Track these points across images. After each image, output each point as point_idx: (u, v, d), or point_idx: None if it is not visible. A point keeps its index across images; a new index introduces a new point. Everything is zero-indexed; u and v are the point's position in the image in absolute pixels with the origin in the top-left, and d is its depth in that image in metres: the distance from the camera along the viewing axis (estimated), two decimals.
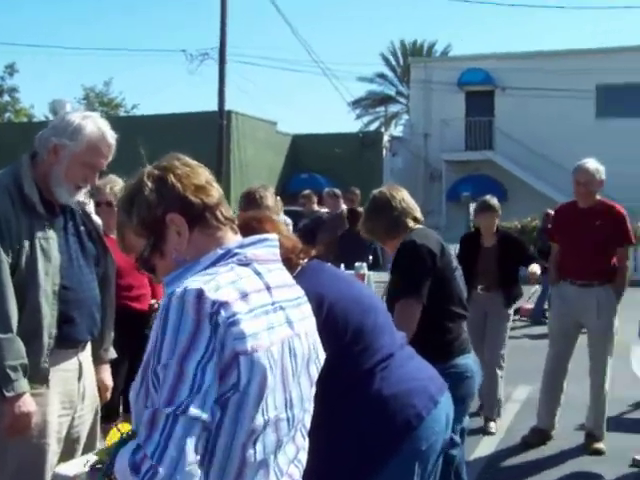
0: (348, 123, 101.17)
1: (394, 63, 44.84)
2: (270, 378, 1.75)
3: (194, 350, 1.64)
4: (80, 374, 3.29)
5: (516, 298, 6.96)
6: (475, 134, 30.56)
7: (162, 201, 1.88)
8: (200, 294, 1.67)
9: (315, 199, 11.25)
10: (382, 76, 44.66)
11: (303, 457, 2.02)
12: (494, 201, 6.77)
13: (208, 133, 22.54)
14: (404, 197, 3.89)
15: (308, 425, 2.03)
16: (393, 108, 45.90)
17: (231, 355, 1.67)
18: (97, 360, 3.50)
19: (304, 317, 1.98)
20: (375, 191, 4.04)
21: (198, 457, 1.62)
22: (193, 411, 1.61)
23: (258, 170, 26.26)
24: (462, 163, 29.86)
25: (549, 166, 26.92)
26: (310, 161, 28.79)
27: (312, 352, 1.98)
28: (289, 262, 2.66)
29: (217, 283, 1.72)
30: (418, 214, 3.89)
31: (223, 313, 1.67)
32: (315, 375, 2.01)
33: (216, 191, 1.95)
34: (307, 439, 2.04)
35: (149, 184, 1.90)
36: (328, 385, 2.49)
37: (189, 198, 1.88)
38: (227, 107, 23.71)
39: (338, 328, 2.58)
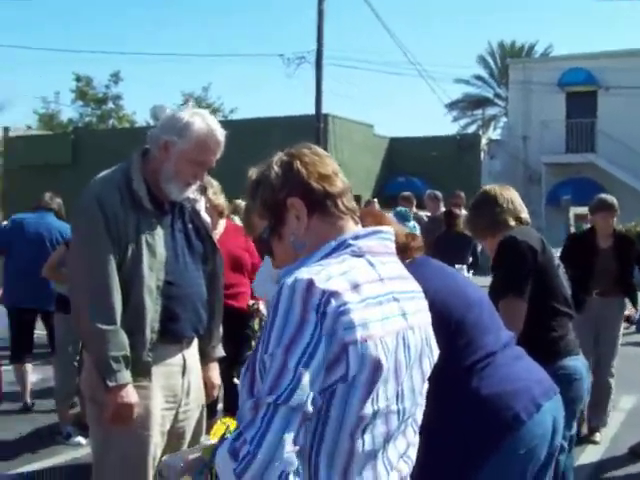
0: (445, 126, 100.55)
1: (492, 65, 44.27)
2: (383, 368, 1.73)
3: (299, 341, 1.64)
4: (184, 370, 3.33)
5: (635, 303, 6.61)
6: (576, 136, 29.82)
7: (285, 185, 1.92)
8: (310, 284, 1.68)
9: (414, 201, 11.16)
10: (479, 78, 44.18)
11: (413, 453, 2.00)
12: (613, 199, 6.42)
13: (305, 136, 22.50)
14: (512, 197, 3.80)
15: (420, 420, 2.01)
16: (491, 110, 45.40)
17: (340, 345, 1.67)
18: (205, 357, 3.53)
19: (418, 310, 1.95)
20: (485, 187, 4.02)
21: (297, 447, 1.62)
22: (294, 401, 1.61)
23: (355, 173, 26.24)
24: (562, 166, 29.19)
25: None
26: (407, 164, 28.67)
27: (425, 346, 1.96)
28: (402, 256, 2.70)
29: (328, 273, 1.73)
30: (524, 215, 3.81)
31: (333, 303, 1.67)
32: (428, 370, 1.99)
33: (341, 182, 1.98)
34: (418, 435, 2.02)
35: (276, 168, 1.94)
36: (432, 380, 2.54)
37: (312, 185, 1.91)
38: (324, 110, 23.84)
39: (441, 322, 2.48)
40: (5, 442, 6.48)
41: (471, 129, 43.12)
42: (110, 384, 3.02)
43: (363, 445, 1.75)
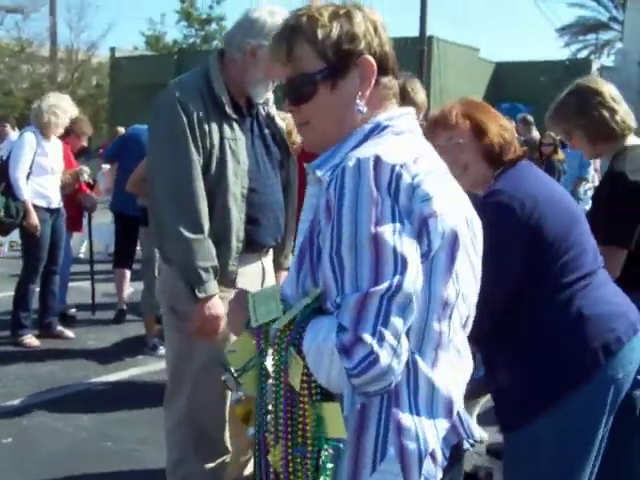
0: (555, 51, 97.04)
1: None
2: (460, 243, 1.63)
3: (384, 223, 1.51)
4: (263, 279, 3.30)
5: None
6: None
7: (366, 40, 1.71)
8: (377, 160, 1.53)
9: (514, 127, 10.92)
10: (595, 0, 42.20)
11: (468, 346, 1.83)
12: None
13: (409, 59, 22.21)
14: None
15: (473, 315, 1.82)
16: (605, 35, 43.44)
17: (420, 219, 1.55)
18: (276, 266, 3.48)
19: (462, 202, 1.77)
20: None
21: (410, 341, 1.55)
22: (407, 287, 1.50)
23: (459, 98, 25.69)
24: None
25: None
26: (513, 90, 27.83)
27: (478, 238, 1.79)
28: (501, 153, 2.63)
29: (388, 148, 1.59)
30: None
31: (405, 175, 1.54)
32: (479, 260, 1.80)
33: None
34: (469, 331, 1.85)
35: (359, 17, 1.72)
36: (528, 292, 2.47)
37: (387, 50, 1.75)
38: (428, 33, 23.25)
39: (545, 234, 2.47)
40: (96, 350, 6.75)
41: (583, 54, 41.44)
42: (199, 295, 2.98)
43: (449, 330, 1.65)
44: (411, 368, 1.59)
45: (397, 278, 1.48)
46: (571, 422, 2.44)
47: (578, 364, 2.43)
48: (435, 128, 2.73)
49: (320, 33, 1.67)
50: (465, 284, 1.67)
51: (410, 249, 1.51)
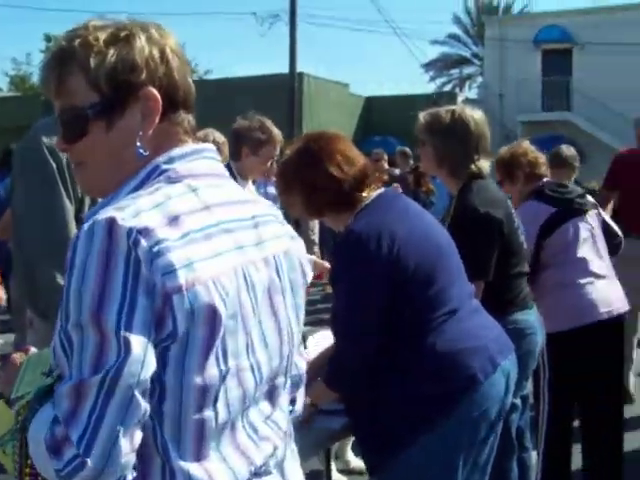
0: (422, 85, 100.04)
1: (467, 24, 43.94)
2: (221, 317, 1.36)
3: (110, 299, 1.26)
4: None
5: None
6: (552, 94, 29.77)
7: (150, 68, 1.44)
8: (111, 224, 1.28)
9: (386, 158, 11.22)
10: (455, 37, 43.85)
11: (281, 419, 1.60)
12: (571, 151, 6.29)
13: (280, 96, 22.46)
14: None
15: (290, 377, 1.65)
16: (467, 70, 45.14)
17: (162, 296, 1.29)
18: None
19: (264, 240, 1.54)
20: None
21: (137, 443, 1.29)
22: (128, 378, 1.25)
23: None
24: (538, 124, 29.13)
25: (630, 126, 26.06)
26: (383, 123, 28.49)
27: (280, 281, 1.56)
28: (362, 184, 2.59)
29: (137, 208, 1.33)
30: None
31: (144, 242, 1.28)
32: (286, 310, 1.57)
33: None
34: (288, 396, 1.67)
35: (141, 42, 1.45)
36: (389, 330, 2.44)
37: (177, 80, 1.48)
38: (298, 69, 23.56)
39: (406, 269, 2.43)
40: None
41: (448, 88, 42.89)
42: None
43: (216, 417, 1.39)
44: (166, 463, 1.36)
45: (116, 367, 1.24)
46: (430, 462, 2.42)
47: (434, 404, 2.41)
48: None
49: (93, 61, 1.42)
50: (241, 356, 1.43)
51: (139, 332, 1.27)
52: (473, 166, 3.32)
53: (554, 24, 29.27)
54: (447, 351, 2.43)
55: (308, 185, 2.61)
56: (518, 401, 3.40)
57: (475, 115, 3.39)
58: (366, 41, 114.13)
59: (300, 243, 1.69)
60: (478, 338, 2.51)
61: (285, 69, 23.32)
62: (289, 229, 1.67)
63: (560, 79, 29.55)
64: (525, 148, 4.14)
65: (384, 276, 2.42)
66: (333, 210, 2.68)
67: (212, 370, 1.36)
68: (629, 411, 5.84)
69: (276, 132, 4.40)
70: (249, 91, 23.86)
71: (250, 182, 4.65)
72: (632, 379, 6.17)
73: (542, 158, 4.19)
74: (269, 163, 4.52)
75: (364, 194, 2.61)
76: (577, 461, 4.26)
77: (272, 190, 5.24)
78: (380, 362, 2.45)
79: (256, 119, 4.42)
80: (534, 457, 3.89)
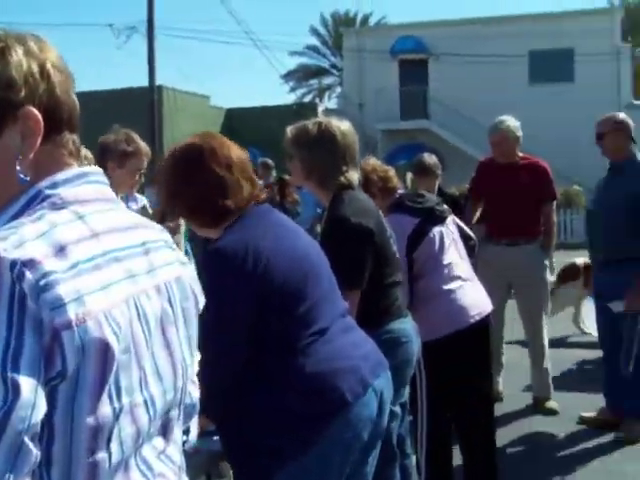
0: (282, 96, 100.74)
1: (325, 35, 44.57)
2: (114, 352, 1.26)
3: None
4: None
5: None
6: (410, 103, 30.56)
7: (29, 86, 1.31)
8: None
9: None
10: (313, 48, 44.39)
11: (175, 453, 1.52)
12: (433, 159, 6.40)
13: (140, 109, 22.08)
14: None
15: (184, 406, 1.59)
16: (327, 80, 45.78)
17: (50, 332, 1.17)
18: None
19: (155, 268, 1.45)
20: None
21: None
22: (17, 423, 1.12)
23: None
24: (397, 132, 29.86)
25: (485, 133, 27.01)
26: (245, 135, 28.41)
27: (173, 311, 1.47)
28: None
29: (20, 237, 1.21)
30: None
31: (29, 275, 1.16)
32: (179, 340, 1.49)
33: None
34: (181, 428, 1.60)
35: (17, 55, 1.31)
36: (257, 344, 2.37)
37: (61, 98, 1.36)
38: (158, 82, 23.26)
39: (273, 286, 2.35)
40: None
41: (308, 99, 43.36)
42: None
43: (110, 458, 1.29)
44: None
45: (4, 412, 1.12)
46: None
47: (303, 427, 2.34)
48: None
49: None
50: (135, 392, 1.34)
51: (28, 373, 1.15)
52: (342, 177, 3.30)
53: (410, 35, 30.09)
54: (315, 372, 2.36)
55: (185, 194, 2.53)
56: (398, 409, 3.40)
57: (342, 126, 3.37)
58: (227, 53, 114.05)
59: (191, 269, 1.59)
60: (348, 358, 2.44)
61: (145, 82, 22.94)
62: (179, 255, 1.57)
63: (417, 88, 30.39)
64: (373, 165, 4.16)
65: (250, 291, 2.34)
66: (205, 223, 2.60)
67: (105, 409, 1.26)
68: (498, 409, 6.03)
69: (143, 144, 4.33)
70: (108, 105, 23.39)
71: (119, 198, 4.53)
72: (501, 378, 6.35)
73: (391, 171, 4.23)
74: (137, 176, 4.41)
75: (236, 206, 2.53)
76: (458, 458, 4.35)
77: (133, 206, 5.07)
78: (248, 374, 2.38)
79: (122, 132, 4.32)
80: (414, 462, 3.92)
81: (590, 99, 26.86)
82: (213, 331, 2.37)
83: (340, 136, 3.32)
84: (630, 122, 5.41)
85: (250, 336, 2.36)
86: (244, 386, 2.38)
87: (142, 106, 22.06)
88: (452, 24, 30.05)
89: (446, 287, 4.05)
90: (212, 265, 2.41)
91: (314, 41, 44.84)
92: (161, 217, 3.89)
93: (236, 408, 2.39)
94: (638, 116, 23.10)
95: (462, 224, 4.64)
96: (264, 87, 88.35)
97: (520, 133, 6.02)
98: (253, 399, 2.37)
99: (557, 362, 6.90)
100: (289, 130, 3.38)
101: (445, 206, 4.36)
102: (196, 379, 1.77)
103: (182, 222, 5.10)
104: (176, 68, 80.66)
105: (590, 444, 5.35)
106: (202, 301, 1.61)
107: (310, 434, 2.33)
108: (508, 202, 5.93)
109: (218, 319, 2.34)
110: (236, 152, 2.60)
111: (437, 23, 30.77)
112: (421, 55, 30.39)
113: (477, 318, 4.05)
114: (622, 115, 5.49)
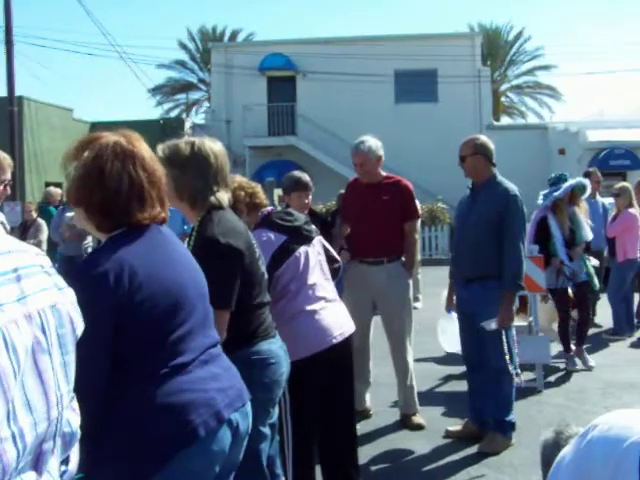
0: (149, 110, 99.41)
1: (193, 50, 44.26)
2: None
3: None
4: None
5: None
6: (277, 119, 30.70)
7: None
8: None
9: None
10: (181, 63, 43.99)
11: None
12: (306, 177, 6.41)
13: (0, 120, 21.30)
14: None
15: (62, 436, 1.55)
16: (194, 95, 45.41)
17: None
18: None
19: (27, 295, 1.39)
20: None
21: None
22: None
23: (54, 159, 25.09)
24: (265, 149, 29.91)
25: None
26: None
27: (49, 338, 1.43)
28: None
29: None
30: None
31: None
32: (60, 367, 1.46)
33: None
34: (57, 460, 1.55)
35: None
36: (115, 371, 2.29)
37: None
38: (19, 93, 22.49)
39: (136, 312, 2.28)
40: None
41: (175, 113, 42.90)
42: None
43: None
44: None
45: None
46: None
47: (152, 454, 2.28)
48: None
49: None
50: (21, 421, 1.31)
51: None
52: (213, 198, 3.28)
53: (278, 52, 30.26)
54: (168, 403, 2.30)
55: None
56: (267, 430, 3.36)
57: (214, 147, 3.36)
58: (92, 65, 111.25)
59: (70, 293, 1.52)
60: (204, 391, 2.40)
61: (4, 93, 22.16)
62: (58, 280, 1.50)
63: (285, 105, 30.55)
64: (239, 181, 4.12)
65: (108, 306, 2.26)
66: (106, 227, 2.47)
67: None
68: (367, 425, 6.08)
69: (4, 155, 4.14)
70: None
71: None
72: (368, 395, 6.41)
73: (258, 187, 4.21)
74: (1, 187, 4.23)
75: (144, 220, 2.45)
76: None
77: None
78: (111, 391, 2.30)
79: None
80: None
81: (453, 119, 27.79)
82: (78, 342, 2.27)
83: (213, 157, 3.31)
84: (490, 145, 5.58)
85: (108, 352, 2.28)
86: (108, 401, 2.31)
87: (2, 117, 21.25)
88: (320, 42, 30.42)
89: (309, 307, 4.07)
90: (77, 275, 2.30)
91: (182, 55, 44.48)
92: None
93: (100, 421, 2.30)
94: (498, 136, 24.12)
95: (328, 246, 4.65)
96: (130, 101, 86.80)
97: (381, 152, 6.07)
98: (113, 416, 2.30)
99: (423, 378, 7.05)
100: (161, 149, 3.31)
101: (313, 226, 4.36)
102: (76, 406, 1.68)
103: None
104: (38, 79, 78.23)
105: (456, 457, 5.46)
106: (81, 326, 1.55)
107: (159, 463, 2.27)
108: (371, 221, 6.00)
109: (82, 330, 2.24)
110: (159, 167, 2.55)
111: (305, 41, 31.08)
112: (289, 72, 30.59)
113: (339, 339, 4.10)
114: (482, 139, 5.64)
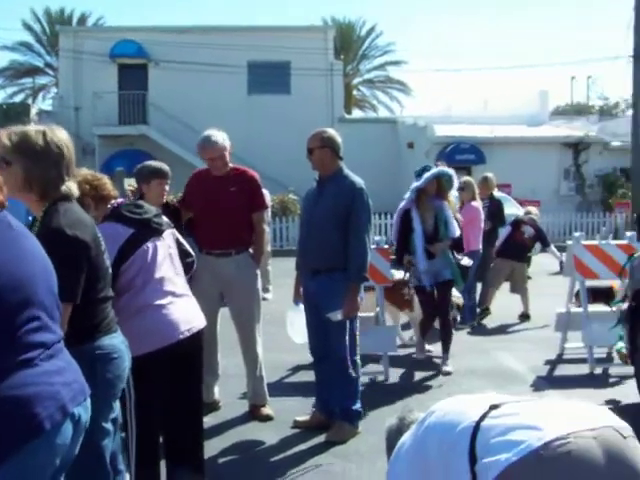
0: None
1: (39, 32, 42.61)
2: None
3: None
4: None
5: None
6: (129, 108, 30.06)
7: None
8: None
9: None
10: (26, 45, 42.27)
11: None
12: (164, 167, 6.24)
13: None
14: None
15: None
16: (41, 80, 43.79)
17: None
18: None
19: None
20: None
21: None
22: None
23: None
24: (116, 137, 29.24)
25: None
26: None
27: None
28: None
29: None
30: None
31: None
32: None
33: None
34: None
35: None
36: None
37: None
38: None
39: None
40: None
41: (20, 98, 41.25)
42: None
43: None
44: None
45: None
46: None
47: None
48: None
49: None
50: None
51: None
52: (65, 188, 3.21)
53: (130, 39, 29.60)
54: (12, 396, 2.25)
55: None
56: (109, 425, 3.30)
57: (64, 137, 3.26)
58: None
59: None
60: (50, 384, 2.37)
61: None
62: None
63: (136, 93, 29.95)
64: (84, 175, 4.01)
65: None
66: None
67: None
68: (215, 418, 6.06)
69: None
70: None
71: None
72: (217, 388, 6.39)
73: (105, 179, 4.12)
74: None
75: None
76: None
77: None
78: None
79: None
80: (127, 478, 3.82)
81: (305, 111, 28.02)
82: None
83: (66, 148, 3.23)
84: (337, 138, 5.64)
85: None
86: None
87: None
88: (173, 31, 30.01)
89: (156, 302, 4.04)
90: None
91: (28, 37, 42.73)
92: None
93: None
94: (349, 129, 24.51)
95: (182, 239, 4.59)
96: None
97: (229, 144, 6.04)
98: None
99: (273, 368, 7.09)
100: (6, 136, 3.17)
101: (164, 218, 4.30)
102: None
103: None
104: None
105: (304, 446, 5.52)
106: None
107: (1, 457, 2.22)
108: (219, 213, 5.95)
109: None
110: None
111: (158, 29, 30.57)
112: (141, 60, 30.00)
113: (186, 334, 4.07)
114: (330, 132, 5.68)
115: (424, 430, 2.69)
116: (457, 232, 7.58)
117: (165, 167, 5.99)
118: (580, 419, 2.41)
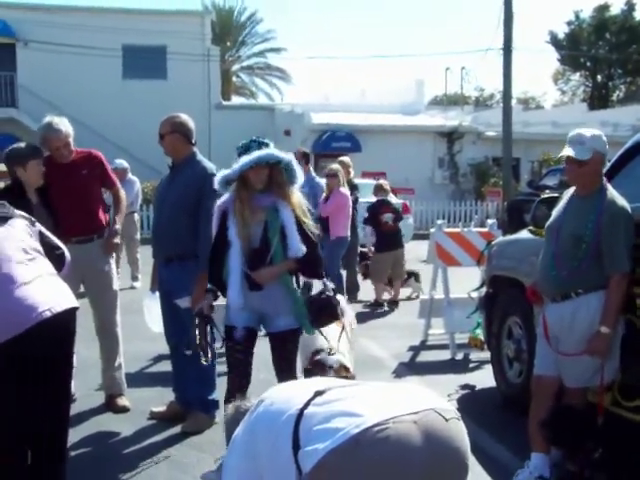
0: None
1: None
2: None
3: None
4: None
5: None
6: None
7: None
8: None
9: None
10: None
11: None
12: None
13: None
14: None
15: None
16: None
17: None
18: None
19: None
20: None
21: None
22: None
23: None
24: None
25: (78, 127, 26.48)
26: None
27: None
28: None
29: None
30: None
31: None
32: None
33: None
34: None
35: None
36: None
37: None
38: None
39: None
40: None
41: None
42: None
43: None
44: None
45: None
46: None
47: None
48: None
49: None
50: None
51: None
52: None
53: None
54: None
55: None
56: None
57: None
58: None
59: None
60: None
61: None
62: None
63: (4, 74, 28.79)
64: None
65: None
66: None
67: None
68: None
69: None
70: None
71: None
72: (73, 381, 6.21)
73: None
74: None
75: None
76: None
77: None
78: None
79: None
80: None
81: (183, 97, 27.50)
82: None
83: None
84: (189, 124, 5.56)
85: None
86: None
87: None
88: (44, 9, 28.84)
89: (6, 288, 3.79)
90: None
91: None
92: None
93: None
94: (226, 116, 24.30)
95: (48, 233, 4.33)
96: None
97: (71, 129, 5.98)
98: None
99: (133, 359, 6.97)
100: None
101: (11, 208, 4.09)
102: None
103: None
104: None
105: (159, 437, 5.46)
106: None
107: None
108: (72, 199, 5.80)
109: None
110: None
111: (27, 6, 29.24)
112: (8, 39, 28.80)
113: (49, 314, 3.73)
114: (182, 117, 5.59)
115: (254, 419, 2.68)
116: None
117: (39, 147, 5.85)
118: (402, 403, 2.44)
